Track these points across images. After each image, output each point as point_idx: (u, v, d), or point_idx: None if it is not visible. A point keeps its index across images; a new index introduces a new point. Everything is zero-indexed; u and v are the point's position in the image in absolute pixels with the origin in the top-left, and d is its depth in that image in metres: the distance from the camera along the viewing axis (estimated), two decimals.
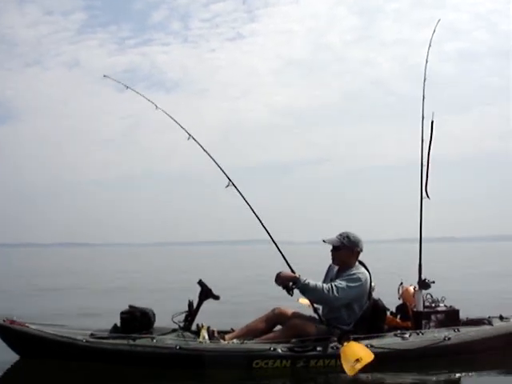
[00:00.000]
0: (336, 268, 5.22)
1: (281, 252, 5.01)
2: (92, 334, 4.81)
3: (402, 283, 5.62)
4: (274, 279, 4.90)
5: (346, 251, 5.08)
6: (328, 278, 5.26)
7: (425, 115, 5.38)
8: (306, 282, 4.81)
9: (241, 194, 5.11)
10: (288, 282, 4.86)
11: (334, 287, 4.81)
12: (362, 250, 5.14)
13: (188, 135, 5.31)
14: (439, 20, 5.67)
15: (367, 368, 4.65)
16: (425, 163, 5.38)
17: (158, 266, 29.08)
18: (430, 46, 5.57)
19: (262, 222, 5.10)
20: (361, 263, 5.15)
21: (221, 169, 5.19)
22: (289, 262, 4.98)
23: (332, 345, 4.75)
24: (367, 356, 4.48)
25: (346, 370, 4.42)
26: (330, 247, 5.15)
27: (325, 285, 4.85)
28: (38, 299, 11.75)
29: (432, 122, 5.36)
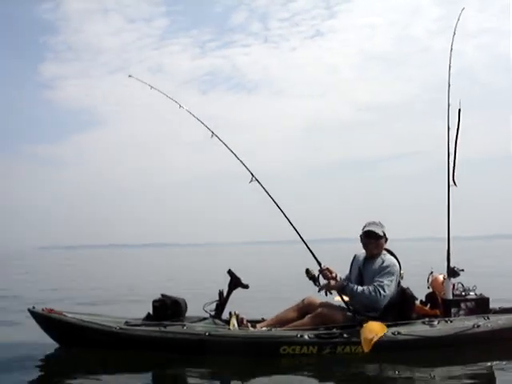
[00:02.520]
0: (361, 257, 5.27)
1: (309, 248, 5.10)
2: (126, 322, 4.99)
3: (432, 272, 5.61)
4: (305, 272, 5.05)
5: (384, 240, 5.17)
6: (355, 268, 5.31)
7: (451, 103, 5.36)
8: (355, 288, 4.92)
9: (264, 189, 5.24)
10: (336, 290, 5.02)
11: (379, 288, 4.88)
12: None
13: (211, 133, 5.46)
14: (463, 8, 5.64)
15: (394, 355, 4.73)
16: (452, 151, 5.37)
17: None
18: (454, 34, 5.56)
19: (290, 219, 5.20)
20: (388, 251, 5.19)
21: (244, 165, 5.32)
22: (317, 258, 5.09)
23: (359, 332, 4.80)
24: (381, 330, 4.63)
25: (363, 345, 4.58)
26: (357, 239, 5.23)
27: (371, 288, 4.90)
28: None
29: (459, 110, 5.34)
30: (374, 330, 4.70)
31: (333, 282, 5.01)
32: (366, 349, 4.61)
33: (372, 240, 5.13)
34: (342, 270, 5.33)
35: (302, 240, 5.20)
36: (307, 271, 5.06)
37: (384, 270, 4.98)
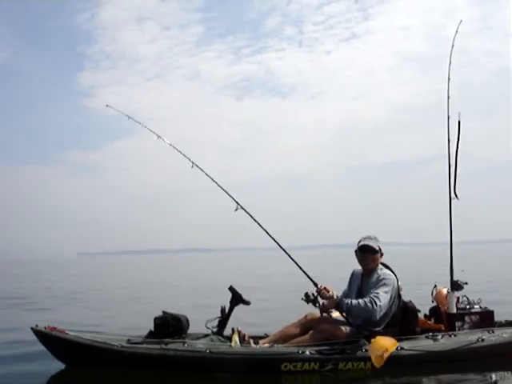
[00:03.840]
0: (359, 274, 5.24)
1: (303, 270, 5.09)
2: (128, 340, 4.99)
3: (435, 286, 5.56)
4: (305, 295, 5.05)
5: (379, 255, 5.12)
6: (353, 285, 5.27)
7: (450, 115, 5.34)
8: (349, 302, 4.88)
9: (252, 216, 5.29)
10: (332, 308, 5.01)
11: (374, 299, 4.83)
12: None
13: (192, 164, 5.51)
14: (461, 21, 5.62)
15: (397, 370, 4.68)
16: (452, 163, 5.34)
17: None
18: (452, 46, 5.54)
19: (282, 245, 5.25)
20: (384, 265, 5.16)
21: (228, 194, 5.36)
22: (307, 273, 5.09)
23: (361, 347, 4.76)
24: (393, 344, 4.55)
25: (374, 362, 4.50)
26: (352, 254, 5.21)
27: (366, 299, 4.86)
28: None
29: (459, 122, 5.32)
30: (385, 344, 4.62)
31: (326, 302, 4.98)
32: (377, 365, 4.52)
33: (369, 255, 5.08)
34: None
35: (296, 263, 5.18)
36: (306, 295, 5.05)
37: (380, 283, 4.94)
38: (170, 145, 5.67)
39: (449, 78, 5.45)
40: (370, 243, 5.07)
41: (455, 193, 5.33)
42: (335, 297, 5.05)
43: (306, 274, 5.08)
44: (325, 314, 5.06)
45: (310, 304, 5.07)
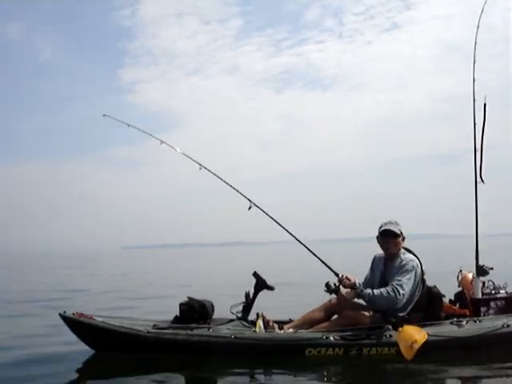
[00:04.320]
0: (381, 259, 5.22)
1: (323, 261, 5.15)
2: (154, 325, 5.06)
3: (461, 270, 5.53)
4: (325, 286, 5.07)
5: (402, 238, 5.08)
6: (376, 270, 5.25)
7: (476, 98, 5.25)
8: (371, 294, 4.87)
9: (266, 213, 5.35)
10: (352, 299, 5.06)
11: (396, 287, 4.81)
12: None
13: (199, 166, 5.55)
14: (486, 1, 5.49)
15: (421, 357, 4.68)
16: (478, 147, 5.26)
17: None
18: (478, 27, 5.42)
19: (299, 238, 5.33)
20: (407, 249, 5.13)
21: (239, 192, 5.39)
22: (333, 269, 5.12)
23: (386, 333, 4.77)
24: (422, 337, 4.54)
25: (404, 354, 4.51)
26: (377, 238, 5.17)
27: (388, 288, 4.84)
28: None
29: (485, 105, 5.23)
30: (413, 335, 4.60)
31: (347, 292, 5.04)
32: (408, 357, 4.52)
33: (390, 239, 5.04)
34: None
35: (315, 255, 5.22)
36: (327, 286, 5.05)
37: (402, 268, 4.91)
38: (178, 150, 5.79)
39: (474, 61, 5.34)
40: (391, 227, 5.03)
41: (481, 177, 5.26)
42: (357, 284, 5.05)
43: (326, 265, 5.09)
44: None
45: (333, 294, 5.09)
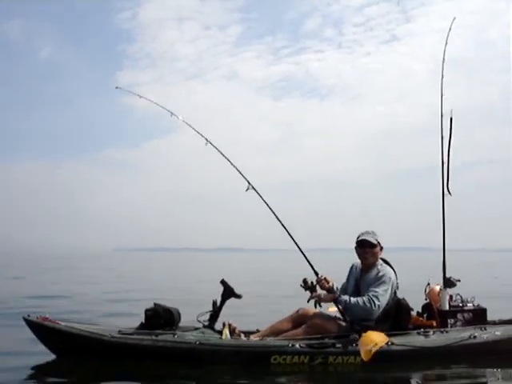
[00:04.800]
0: (358, 268, 5.23)
1: (306, 257, 5.11)
2: (119, 331, 5.00)
3: (429, 283, 5.54)
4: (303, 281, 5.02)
5: (379, 248, 5.11)
6: (352, 278, 5.26)
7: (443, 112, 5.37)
8: (347, 301, 4.87)
9: (261, 197, 5.24)
10: (328, 302, 5.01)
11: (374, 298, 4.81)
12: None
13: (206, 141, 5.48)
14: (454, 18, 5.68)
15: (387, 365, 4.66)
16: (445, 160, 5.36)
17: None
18: (446, 43, 5.59)
19: (286, 226, 5.19)
20: (384, 261, 5.15)
21: (240, 172, 5.32)
22: (313, 265, 5.08)
23: (352, 342, 4.74)
24: (382, 340, 4.54)
25: (362, 355, 4.48)
26: (352, 249, 5.19)
27: (365, 298, 4.84)
28: None
29: (451, 119, 5.35)
30: (374, 339, 4.61)
31: (324, 294, 4.97)
32: (366, 358, 4.52)
33: (367, 249, 5.07)
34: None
35: (299, 249, 5.19)
36: (304, 282, 5.02)
37: (379, 280, 4.92)
38: (184, 121, 5.71)
39: (442, 76, 5.49)
40: (368, 237, 5.06)
41: (448, 189, 5.34)
42: (335, 288, 5.04)
43: (309, 262, 5.03)
44: (318, 308, 5.05)
45: (308, 292, 5.02)
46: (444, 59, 5.53)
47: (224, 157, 5.41)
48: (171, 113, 5.73)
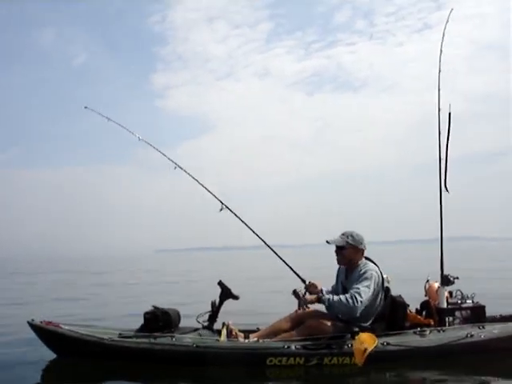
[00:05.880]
0: (344, 268, 5.23)
1: (290, 267, 5.24)
2: (120, 334, 5.10)
3: (428, 280, 5.51)
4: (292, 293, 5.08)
5: (350, 250, 5.08)
6: (339, 280, 5.29)
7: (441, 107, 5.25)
8: (330, 299, 4.88)
9: (237, 215, 5.40)
10: (313, 303, 5.02)
11: (356, 295, 4.81)
12: (365, 248, 5.13)
13: (175, 165, 5.62)
14: (452, 10, 5.51)
15: (382, 366, 4.68)
16: (443, 157, 5.27)
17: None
18: (443, 36, 5.44)
19: (266, 241, 5.39)
20: (367, 259, 5.14)
21: (211, 193, 5.46)
22: (295, 270, 5.19)
23: (347, 342, 4.76)
24: (372, 342, 4.53)
25: (356, 359, 4.50)
26: (334, 248, 5.16)
27: (347, 295, 4.85)
28: None
29: (449, 115, 5.23)
30: (366, 341, 4.62)
31: (308, 296, 4.99)
32: (359, 361, 4.51)
33: (336, 251, 5.13)
34: None
35: (281, 259, 5.35)
36: (294, 292, 5.06)
37: (361, 277, 4.92)
38: (147, 143, 5.80)
39: (440, 70, 5.36)
40: (333, 241, 5.09)
41: (445, 186, 5.26)
42: (324, 292, 5.06)
43: (294, 271, 5.12)
44: (306, 308, 5.06)
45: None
46: (441, 51, 5.40)
47: (194, 179, 5.54)
48: (139, 137, 5.84)
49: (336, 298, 4.86)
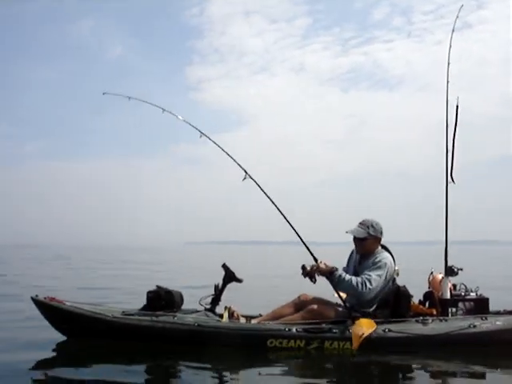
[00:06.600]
0: (358, 253, 5.24)
1: (305, 244, 5.08)
2: (123, 312, 5.13)
3: (432, 272, 5.50)
4: (301, 268, 5.02)
5: (371, 241, 5.11)
6: (351, 263, 5.30)
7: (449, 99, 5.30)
8: (342, 275, 4.89)
9: (259, 186, 5.18)
10: (325, 274, 4.96)
11: (366, 281, 4.84)
12: (383, 237, 5.14)
13: (200, 134, 5.49)
14: (462, 6, 5.58)
15: (383, 352, 4.67)
16: (450, 148, 5.30)
17: None
18: (453, 30, 5.50)
19: (285, 215, 5.14)
20: (383, 247, 5.15)
21: (236, 162, 5.29)
22: (314, 254, 5.07)
23: (349, 327, 4.76)
24: (370, 326, 4.58)
25: (353, 342, 4.55)
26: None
27: (358, 279, 4.88)
28: None
29: (457, 107, 5.27)
30: (364, 326, 4.66)
31: (323, 266, 4.95)
32: (355, 345, 4.58)
33: (356, 241, 5.15)
34: None
35: (299, 236, 5.17)
36: (303, 268, 5.03)
37: (375, 265, 4.95)
38: (172, 113, 5.67)
39: (448, 63, 5.42)
40: (354, 233, 5.11)
41: (452, 177, 5.28)
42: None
43: (308, 249, 5.00)
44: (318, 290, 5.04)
45: (307, 278, 5.00)
46: (451, 45, 5.46)
47: (217, 145, 5.37)
48: (163, 110, 5.70)
49: (347, 276, 4.90)
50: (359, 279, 4.86)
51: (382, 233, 5.14)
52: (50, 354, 4.96)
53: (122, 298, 9.18)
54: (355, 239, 5.16)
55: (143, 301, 5.25)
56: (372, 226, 5.12)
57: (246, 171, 5.18)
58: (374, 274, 4.89)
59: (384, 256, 5.03)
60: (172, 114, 5.63)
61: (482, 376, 4.46)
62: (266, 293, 10.72)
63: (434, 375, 4.45)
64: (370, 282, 4.84)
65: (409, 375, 4.51)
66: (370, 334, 4.62)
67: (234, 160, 5.28)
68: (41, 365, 4.62)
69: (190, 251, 65.81)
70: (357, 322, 4.69)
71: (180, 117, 5.65)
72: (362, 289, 4.81)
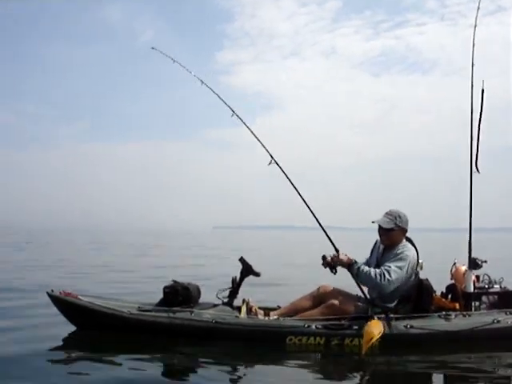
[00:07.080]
0: (382, 244, 5.10)
1: (326, 234, 4.94)
2: (139, 307, 5.06)
3: (455, 263, 5.35)
4: (322, 258, 4.91)
5: (398, 232, 4.97)
6: (374, 254, 5.17)
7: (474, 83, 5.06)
8: (361, 268, 4.79)
9: (284, 171, 5.05)
10: (345, 266, 4.87)
11: (385, 272, 4.73)
12: (408, 228, 5.00)
13: (232, 112, 5.31)
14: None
15: (404, 349, 4.57)
16: (475, 135, 5.07)
17: None
18: (478, 8, 5.23)
19: (307, 202, 5.04)
20: (407, 239, 5.00)
21: (263, 145, 5.14)
22: (335, 244, 4.95)
23: None
24: (378, 332, 4.41)
25: (362, 347, 4.40)
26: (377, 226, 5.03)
27: (377, 270, 4.77)
28: None
29: (483, 91, 5.03)
30: (372, 331, 4.47)
31: (344, 257, 4.85)
32: (363, 351, 4.39)
33: (381, 232, 4.98)
34: None
35: (320, 225, 5.05)
36: (324, 258, 4.92)
37: (397, 257, 4.82)
38: (210, 88, 5.55)
39: (473, 44, 5.16)
40: (381, 222, 4.95)
41: (476, 166, 5.07)
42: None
43: (330, 239, 4.89)
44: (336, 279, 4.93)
45: (327, 269, 4.92)
46: (476, 25, 5.18)
47: (248, 128, 5.25)
48: (202, 82, 5.56)
49: (366, 268, 4.79)
50: (378, 270, 4.75)
51: (408, 224, 5.00)
52: (64, 344, 4.95)
53: None
54: (381, 229, 5.00)
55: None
56: (399, 216, 4.97)
57: (271, 156, 5.09)
58: (394, 266, 4.76)
59: (407, 248, 4.90)
60: (208, 88, 5.53)
61: (508, 371, 4.35)
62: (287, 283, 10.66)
63: (457, 373, 4.33)
64: (389, 273, 4.71)
65: (431, 373, 4.40)
66: (383, 335, 4.46)
67: (262, 143, 5.16)
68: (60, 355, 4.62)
69: (216, 236, 66.29)
70: (368, 324, 4.54)
71: (215, 91, 5.53)
72: (381, 280, 4.69)
